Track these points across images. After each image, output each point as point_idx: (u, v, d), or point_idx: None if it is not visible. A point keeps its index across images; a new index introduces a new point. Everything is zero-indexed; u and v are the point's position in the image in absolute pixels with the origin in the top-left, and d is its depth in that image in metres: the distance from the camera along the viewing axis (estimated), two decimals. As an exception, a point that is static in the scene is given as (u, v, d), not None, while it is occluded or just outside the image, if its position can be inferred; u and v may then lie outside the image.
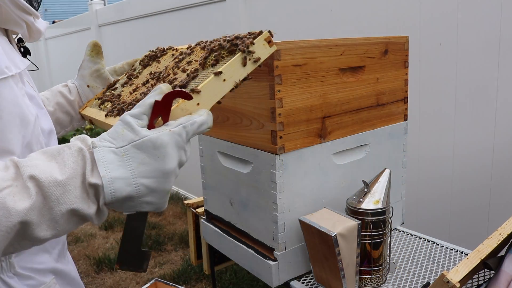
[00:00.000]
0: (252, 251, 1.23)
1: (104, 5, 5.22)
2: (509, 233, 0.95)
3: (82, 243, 3.37)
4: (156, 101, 0.70)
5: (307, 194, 1.18)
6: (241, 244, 1.28)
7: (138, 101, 0.89)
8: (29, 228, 0.60)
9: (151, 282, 1.34)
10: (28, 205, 0.60)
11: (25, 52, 0.93)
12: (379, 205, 1.10)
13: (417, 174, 2.08)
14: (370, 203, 1.10)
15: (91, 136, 0.93)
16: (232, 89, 0.81)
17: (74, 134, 3.41)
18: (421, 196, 2.09)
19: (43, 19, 0.94)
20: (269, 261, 1.16)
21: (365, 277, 1.13)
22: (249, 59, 0.82)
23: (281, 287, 1.19)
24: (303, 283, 1.18)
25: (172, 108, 0.72)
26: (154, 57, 1.13)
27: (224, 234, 1.36)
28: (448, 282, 0.82)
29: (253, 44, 0.82)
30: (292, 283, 1.18)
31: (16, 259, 0.80)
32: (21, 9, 0.81)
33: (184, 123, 0.70)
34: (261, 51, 0.84)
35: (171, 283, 1.32)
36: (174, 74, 0.91)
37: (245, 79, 0.83)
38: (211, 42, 0.93)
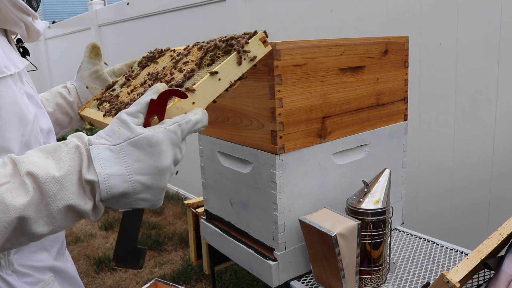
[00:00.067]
0: (252, 251, 1.23)
1: (104, 5, 5.22)
2: (509, 233, 0.95)
3: (82, 243, 3.37)
4: (151, 100, 0.71)
5: (307, 194, 1.18)
6: (241, 244, 1.28)
7: (135, 101, 0.90)
8: (27, 224, 0.61)
9: (151, 282, 1.34)
10: (26, 201, 0.61)
11: (24, 53, 0.94)
12: (379, 205, 1.10)
13: (417, 174, 2.08)
14: (370, 203, 1.10)
15: None
16: (227, 88, 0.82)
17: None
18: (421, 196, 2.09)
19: (42, 19, 0.95)
20: (269, 261, 1.16)
21: (365, 277, 1.13)
22: (244, 59, 0.83)
23: (281, 287, 1.19)
24: (303, 283, 1.18)
25: (168, 107, 0.73)
26: (152, 58, 1.14)
27: (224, 234, 1.36)
28: (448, 282, 0.82)
29: (248, 44, 0.83)
30: (292, 283, 1.18)
31: (15, 257, 0.81)
32: (20, 10, 0.81)
33: (179, 121, 0.72)
34: (256, 50, 0.85)
35: (171, 283, 1.32)
36: (171, 74, 0.92)
37: (240, 78, 0.84)
38: (207, 42, 0.94)
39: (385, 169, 1.17)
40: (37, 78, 7.23)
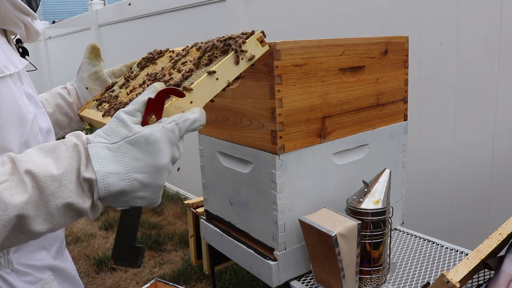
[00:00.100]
0: (252, 251, 1.23)
1: (104, 5, 5.23)
2: (509, 233, 0.95)
3: (82, 243, 3.37)
4: (149, 99, 0.72)
5: (307, 194, 1.18)
6: (241, 244, 1.28)
7: None
8: (26, 222, 0.62)
9: (151, 282, 1.34)
10: (25, 199, 0.61)
11: (24, 53, 0.95)
12: (379, 205, 1.10)
13: (417, 174, 2.08)
14: (370, 203, 1.10)
15: None
16: (225, 88, 0.82)
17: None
18: (421, 195, 2.09)
19: (42, 19, 0.95)
20: (269, 261, 1.16)
21: (365, 277, 1.13)
22: (242, 58, 0.83)
23: (281, 287, 1.19)
24: (303, 283, 1.18)
25: (166, 106, 0.74)
26: (151, 59, 1.14)
27: (224, 234, 1.36)
28: (448, 282, 0.82)
29: (245, 43, 0.84)
30: (292, 283, 1.18)
31: (14, 256, 0.81)
32: (19, 10, 0.82)
33: (176, 120, 0.72)
34: (254, 50, 0.85)
35: (171, 283, 1.32)
36: (170, 74, 0.92)
37: (238, 78, 0.85)
38: (205, 43, 0.94)
39: (385, 169, 1.17)
40: (37, 78, 7.24)
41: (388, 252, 1.16)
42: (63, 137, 0.74)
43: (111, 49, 4.85)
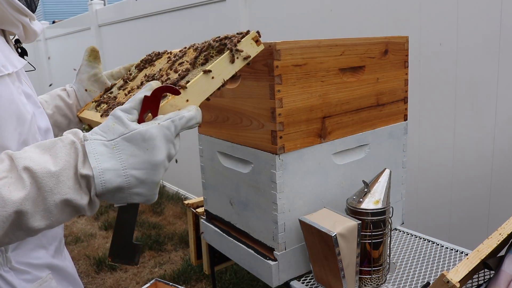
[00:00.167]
0: (252, 251, 1.23)
1: (104, 5, 5.23)
2: (509, 233, 0.95)
3: (82, 243, 3.37)
4: (145, 96, 0.73)
5: (307, 194, 1.18)
6: (241, 244, 1.28)
7: None
8: (24, 218, 0.62)
9: (151, 282, 1.34)
10: (23, 195, 0.62)
11: (22, 53, 0.95)
12: (379, 205, 1.10)
13: (417, 174, 2.08)
14: (370, 203, 1.10)
15: None
16: (220, 87, 0.83)
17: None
18: (421, 196, 2.09)
19: (42, 19, 0.96)
20: (269, 261, 1.16)
21: (365, 277, 1.13)
22: (237, 57, 0.84)
23: (281, 287, 1.19)
24: (303, 283, 1.18)
25: (162, 104, 0.75)
26: (149, 61, 1.15)
27: (224, 234, 1.36)
28: (448, 282, 0.82)
29: (240, 42, 0.85)
30: (292, 283, 1.18)
31: (13, 254, 0.81)
32: (17, 10, 0.83)
33: (172, 117, 0.73)
34: (249, 49, 0.86)
35: (171, 283, 1.32)
36: (167, 75, 0.93)
37: (234, 77, 0.86)
38: (202, 43, 0.95)
39: (385, 169, 1.17)
40: (37, 77, 7.23)
41: (388, 252, 1.16)
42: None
43: (111, 49, 4.85)
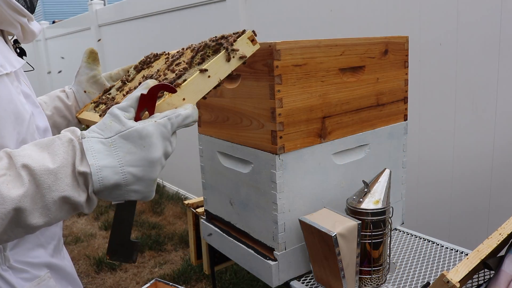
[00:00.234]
0: (252, 251, 1.23)
1: (104, 5, 5.22)
2: (509, 233, 0.95)
3: (82, 243, 3.38)
4: (142, 94, 0.73)
5: (307, 194, 1.18)
6: (241, 244, 1.28)
7: None
8: (23, 215, 0.63)
9: (151, 282, 1.34)
10: (22, 192, 0.62)
11: (21, 53, 0.96)
12: (379, 205, 1.10)
13: (417, 174, 2.08)
14: (370, 203, 1.10)
15: None
16: (216, 86, 0.84)
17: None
18: (421, 196, 2.09)
19: (42, 19, 0.96)
20: (269, 261, 1.16)
21: (365, 277, 1.13)
22: (233, 57, 0.85)
23: (281, 287, 1.19)
24: (303, 283, 1.18)
25: (158, 102, 0.76)
26: (147, 62, 1.16)
27: (224, 234, 1.36)
28: (448, 282, 0.82)
29: (236, 42, 0.86)
30: (292, 283, 1.18)
31: (11, 253, 0.82)
32: (15, 11, 0.83)
33: (169, 115, 0.73)
34: (245, 49, 0.87)
35: (171, 283, 1.32)
36: (165, 75, 0.94)
37: (230, 76, 0.87)
38: (199, 43, 0.96)
39: (385, 169, 1.17)
40: (37, 77, 7.23)
41: (388, 252, 1.16)
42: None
43: (111, 49, 4.85)
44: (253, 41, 0.88)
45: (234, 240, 1.31)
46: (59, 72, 5.10)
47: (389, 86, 1.33)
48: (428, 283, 1.12)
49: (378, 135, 1.33)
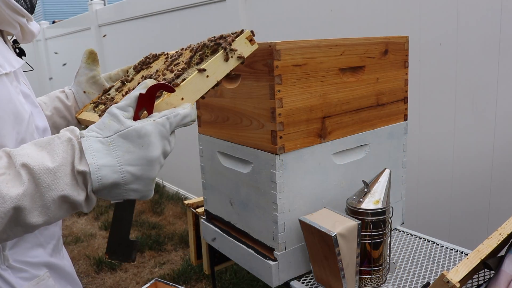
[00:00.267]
0: (252, 251, 1.23)
1: (104, 5, 5.22)
2: (509, 233, 0.95)
3: (82, 243, 3.38)
4: (140, 94, 0.74)
5: (307, 194, 1.18)
6: (241, 244, 1.28)
7: None
8: (22, 214, 0.63)
9: (151, 282, 1.34)
10: (21, 191, 0.63)
11: (21, 53, 0.96)
12: (379, 205, 1.10)
13: (417, 174, 2.08)
14: (370, 203, 1.10)
15: None
16: (215, 85, 0.85)
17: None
18: (421, 196, 2.09)
19: (42, 19, 0.97)
20: (269, 261, 1.16)
21: (365, 277, 1.13)
22: (231, 56, 0.85)
23: (281, 287, 1.19)
24: (303, 283, 1.18)
25: (157, 102, 0.76)
26: (146, 62, 1.16)
27: (224, 234, 1.36)
28: (448, 282, 0.82)
29: (234, 42, 0.86)
30: (292, 283, 1.18)
31: (10, 252, 0.82)
32: (14, 11, 0.84)
33: (167, 114, 0.74)
34: (243, 49, 0.87)
35: (171, 283, 1.33)
36: (163, 75, 0.94)
37: (227, 75, 0.87)
38: (198, 44, 0.96)
39: (385, 169, 1.17)
40: (37, 77, 7.23)
41: (388, 252, 1.16)
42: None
43: (111, 49, 4.85)
44: (251, 41, 0.88)
45: (234, 240, 1.31)
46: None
47: (389, 86, 1.33)
48: (428, 283, 1.12)
49: (378, 135, 1.33)
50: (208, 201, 1.45)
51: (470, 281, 1.06)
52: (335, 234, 1.02)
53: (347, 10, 2.23)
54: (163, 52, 1.16)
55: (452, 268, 0.96)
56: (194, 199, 1.76)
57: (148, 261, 3.02)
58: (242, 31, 0.88)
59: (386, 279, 1.16)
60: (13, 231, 0.65)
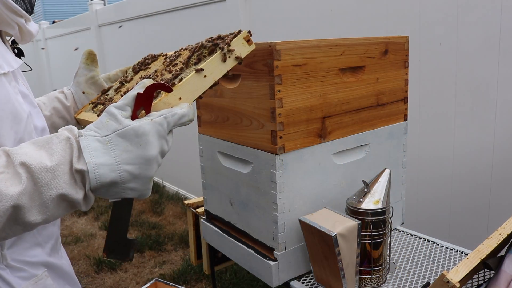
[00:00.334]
0: (252, 251, 1.23)
1: (104, 5, 5.22)
2: (509, 233, 0.95)
3: (82, 243, 3.38)
4: (138, 94, 0.74)
5: (307, 194, 1.18)
6: (241, 244, 1.28)
7: None
8: (21, 212, 0.64)
9: (151, 282, 1.34)
10: (20, 189, 0.63)
11: (19, 53, 0.97)
12: (379, 205, 1.10)
13: (417, 174, 2.08)
14: (370, 203, 1.10)
15: None
16: (212, 85, 0.85)
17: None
18: (421, 196, 2.09)
19: (42, 19, 0.97)
20: (269, 261, 1.16)
21: (365, 277, 1.13)
22: (229, 57, 0.86)
23: (281, 287, 1.19)
24: (303, 283, 1.18)
25: (155, 102, 0.76)
26: (145, 63, 1.16)
27: (224, 234, 1.36)
28: (448, 282, 0.82)
29: (232, 42, 0.87)
30: (292, 283, 1.18)
31: (9, 252, 0.82)
32: (12, 11, 0.84)
33: (165, 114, 0.74)
34: (241, 49, 0.88)
35: (171, 283, 1.33)
36: (162, 75, 0.94)
37: (224, 75, 0.88)
38: (196, 44, 0.97)
39: (385, 169, 1.17)
40: (37, 77, 7.23)
41: (388, 252, 1.16)
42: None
43: (111, 49, 4.85)
44: (248, 41, 0.89)
45: (234, 240, 1.31)
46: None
47: (389, 86, 1.33)
48: (428, 283, 1.12)
49: (378, 135, 1.33)
50: (208, 201, 1.45)
51: (470, 281, 1.06)
52: (335, 234, 1.02)
53: (347, 10, 2.23)
54: (162, 53, 1.16)
55: (452, 268, 0.96)
56: (194, 199, 1.76)
57: (148, 261, 3.02)
58: (239, 32, 0.89)
59: (386, 279, 1.16)
60: (12, 229, 0.65)
